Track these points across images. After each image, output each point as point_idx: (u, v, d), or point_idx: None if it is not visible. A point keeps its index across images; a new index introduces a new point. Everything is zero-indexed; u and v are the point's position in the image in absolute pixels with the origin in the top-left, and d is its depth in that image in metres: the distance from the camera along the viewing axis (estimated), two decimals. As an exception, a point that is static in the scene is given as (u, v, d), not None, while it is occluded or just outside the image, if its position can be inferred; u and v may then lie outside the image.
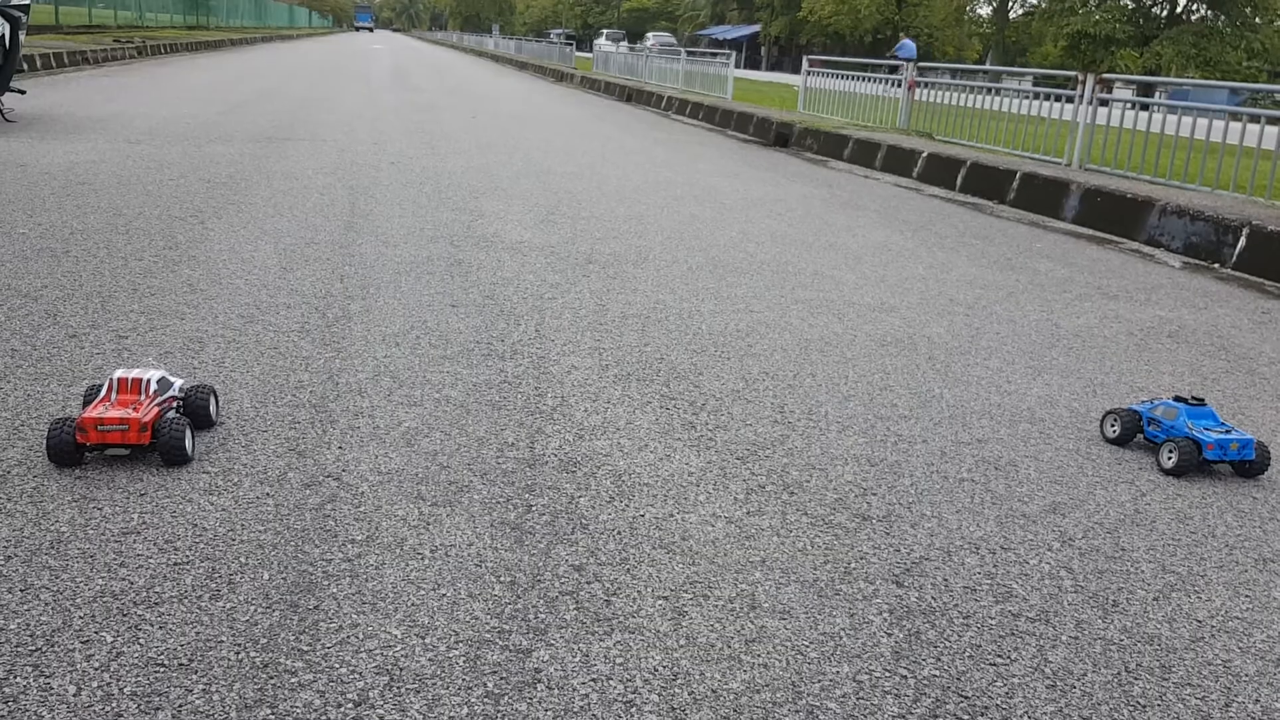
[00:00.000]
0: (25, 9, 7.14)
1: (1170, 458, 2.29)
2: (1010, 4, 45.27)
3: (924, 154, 8.39)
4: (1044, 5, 39.14)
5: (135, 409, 1.91)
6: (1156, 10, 36.17)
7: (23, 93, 7.56)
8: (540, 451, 2.12)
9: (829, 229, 5.48)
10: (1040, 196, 6.87)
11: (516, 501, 1.89)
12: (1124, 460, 2.37)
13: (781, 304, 3.65)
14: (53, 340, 2.60)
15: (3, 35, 6.76)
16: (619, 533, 1.80)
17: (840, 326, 3.38)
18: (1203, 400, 2.41)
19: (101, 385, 2.01)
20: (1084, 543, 1.92)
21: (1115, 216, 6.17)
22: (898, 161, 8.72)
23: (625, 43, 42.90)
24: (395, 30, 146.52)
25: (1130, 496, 2.16)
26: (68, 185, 4.89)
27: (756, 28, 71.83)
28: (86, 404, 1.96)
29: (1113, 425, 2.46)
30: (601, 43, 40.46)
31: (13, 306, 2.87)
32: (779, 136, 11.23)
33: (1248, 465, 2.30)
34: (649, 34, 60.49)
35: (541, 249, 4.27)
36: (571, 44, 37.50)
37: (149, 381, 1.96)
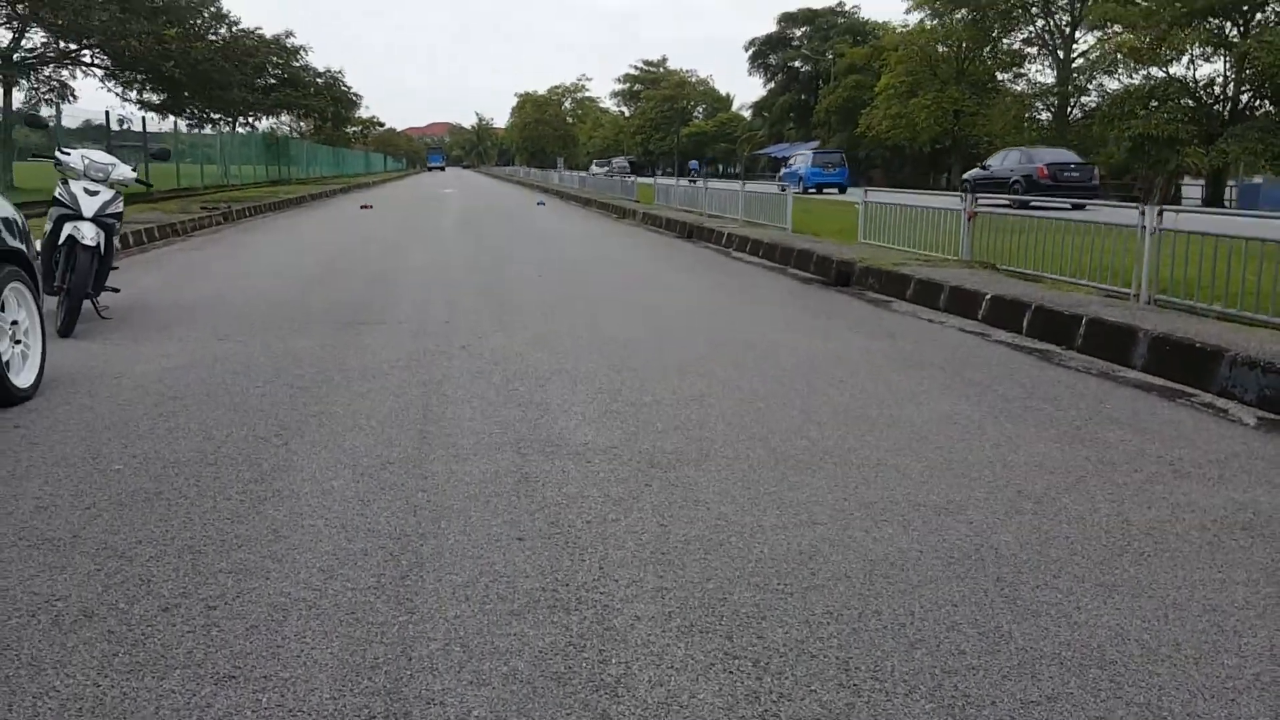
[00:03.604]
0: (119, 216, 7.66)
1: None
2: (1070, 108, 45.50)
3: (988, 296, 8.41)
4: (1104, 109, 39.29)
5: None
6: (1218, 108, 36.05)
7: (117, 290, 8.04)
8: (607, 737, 2.17)
9: (892, 397, 5.51)
10: (1108, 343, 6.83)
11: (584, 808, 1.93)
12: (1195, 715, 2.33)
13: (845, 510, 3.67)
14: (146, 615, 2.74)
15: (99, 243, 7.26)
16: None
17: (906, 539, 3.39)
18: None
19: None
20: (1159, 838, 1.89)
21: (1185, 365, 6.10)
22: (962, 303, 8.75)
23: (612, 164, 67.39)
24: (465, 167, 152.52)
25: (1207, 767, 2.12)
26: (160, 402, 5.17)
27: (815, 144, 73.15)
28: None
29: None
30: (595, 167, 67.60)
31: (109, 571, 3.04)
32: (839, 275, 11.37)
33: None
34: (613, 159, 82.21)
35: (604, 451, 4.37)
36: (632, 176, 39.67)
37: None
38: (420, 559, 3.16)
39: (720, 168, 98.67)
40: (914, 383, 5.95)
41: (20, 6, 24.73)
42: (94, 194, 7.34)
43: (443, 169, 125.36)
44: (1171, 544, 3.42)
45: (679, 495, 3.81)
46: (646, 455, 4.33)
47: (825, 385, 5.80)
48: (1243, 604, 2.95)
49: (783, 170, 44.51)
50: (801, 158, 43.02)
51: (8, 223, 5.24)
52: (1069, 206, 25.35)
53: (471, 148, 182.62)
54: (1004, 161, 29.74)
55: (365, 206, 28.20)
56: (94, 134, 26.11)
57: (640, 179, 42.15)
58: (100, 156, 7.67)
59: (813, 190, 34.96)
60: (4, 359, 5.02)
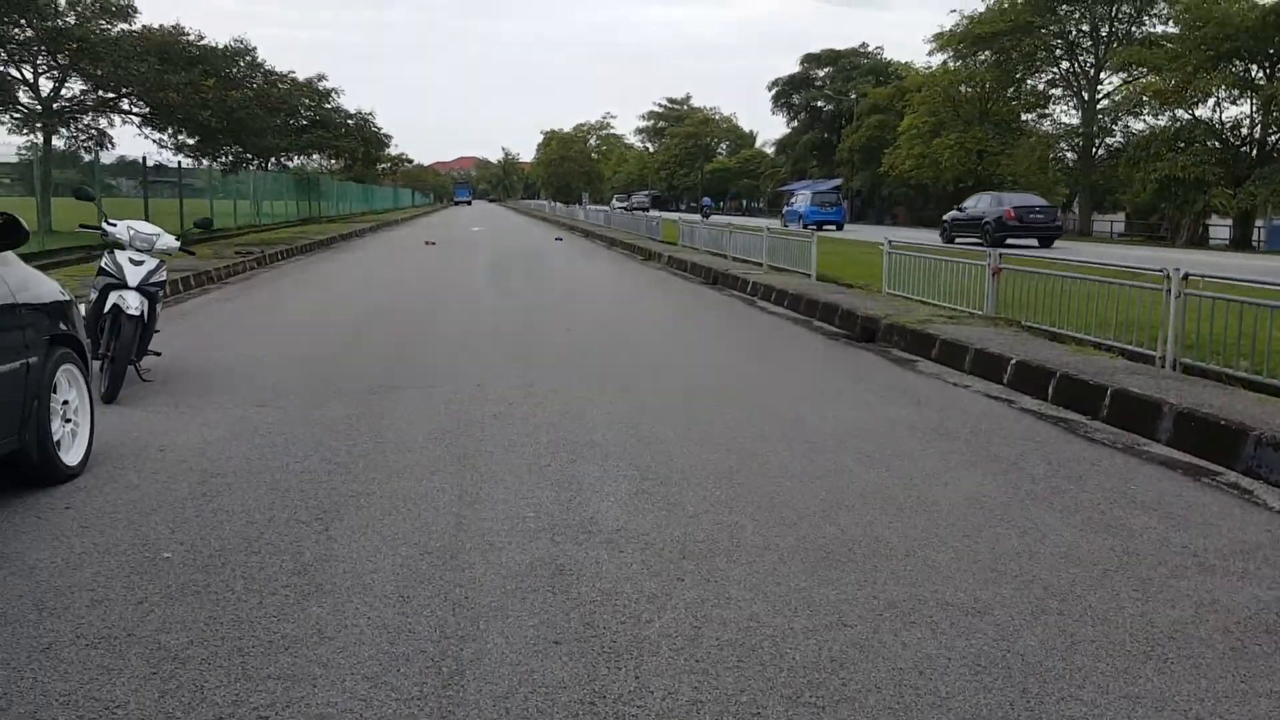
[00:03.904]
0: (162, 284, 7.89)
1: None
2: (1095, 149, 45.50)
3: (1013, 361, 8.47)
4: (1129, 151, 39.31)
5: None
6: (1246, 150, 35.98)
7: (158, 354, 8.24)
8: None
9: (920, 476, 5.58)
10: (1133, 415, 6.87)
11: None
12: None
13: (874, 610, 3.75)
14: (201, 727, 2.86)
15: (143, 312, 7.48)
16: None
17: (934, 644, 3.46)
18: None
19: None
20: None
21: (1210, 442, 6.14)
22: (987, 366, 8.82)
23: (631, 199, 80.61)
24: (491, 201, 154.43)
25: None
26: (203, 479, 5.32)
27: (838, 181, 73.32)
28: None
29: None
30: (615, 201, 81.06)
31: (164, 676, 3.16)
32: (865, 331, 11.47)
33: None
34: (633, 194, 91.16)
35: (636, 538, 4.47)
36: (655, 212, 40.77)
37: None
38: (461, 665, 3.26)
39: (744, 203, 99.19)
40: (940, 458, 6.02)
41: (60, 57, 25.38)
42: (139, 264, 7.57)
43: (469, 203, 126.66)
44: (1195, 649, 3.48)
45: (711, 591, 3.90)
46: (678, 544, 4.42)
47: (852, 461, 5.89)
48: (1265, 715, 3.00)
49: (785, 208, 49.39)
50: (801, 197, 48.13)
51: (61, 307, 5.44)
52: (1036, 244, 29.79)
53: (498, 182, 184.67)
54: (978, 204, 33.37)
55: (429, 243, 30.51)
56: (128, 170, 26.79)
57: (663, 213, 45.34)
58: (145, 228, 7.91)
59: (812, 226, 37.50)
60: (55, 439, 5.20)
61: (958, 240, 31.49)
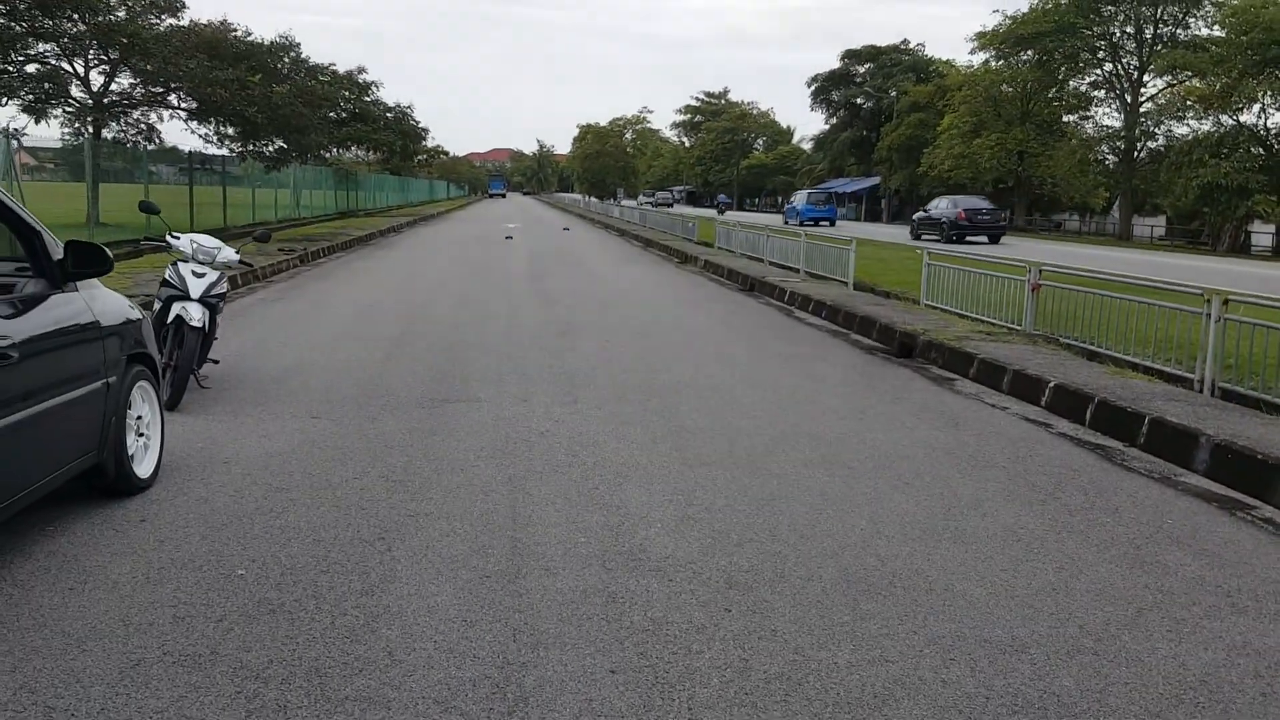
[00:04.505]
0: (222, 296, 8.18)
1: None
2: (1137, 151, 45.07)
3: (1051, 384, 8.57)
4: (1171, 157, 38.97)
5: None
6: (1289, 158, 35.57)
7: (217, 362, 8.54)
8: None
9: (957, 506, 5.73)
10: (1170, 444, 6.97)
11: None
12: None
13: (915, 645, 3.92)
14: (288, 749, 3.08)
15: (204, 322, 7.77)
16: None
17: (973, 682, 3.63)
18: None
19: None
20: None
21: (1247, 475, 6.23)
22: (1025, 388, 8.92)
23: (657, 195, 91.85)
24: (526, 194, 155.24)
25: None
26: (268, 494, 5.57)
27: (876, 180, 72.95)
28: None
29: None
30: (642, 197, 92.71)
31: (249, 695, 3.39)
32: (903, 347, 11.58)
33: None
34: (658, 191, 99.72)
35: (685, 567, 4.66)
36: (678, 206, 41.03)
37: None
38: (524, 692, 3.47)
39: (779, 199, 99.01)
40: (978, 486, 6.16)
41: (111, 51, 25.89)
42: (200, 276, 7.86)
43: (504, 196, 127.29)
44: (1225, 694, 3.61)
45: (757, 623, 4.08)
46: (724, 573, 4.60)
47: (890, 488, 6.04)
48: (1293, 769, 3.14)
49: (786, 206, 58.60)
50: (799, 197, 57.34)
51: (135, 325, 5.69)
52: (986, 240, 36.65)
53: (532, 174, 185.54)
54: (938, 206, 40.62)
55: (509, 237, 33.72)
56: (170, 158, 27.47)
57: (697, 209, 49.53)
58: (207, 241, 8.19)
59: (809, 222, 44.68)
60: (129, 452, 5.47)
61: (923, 237, 37.81)
